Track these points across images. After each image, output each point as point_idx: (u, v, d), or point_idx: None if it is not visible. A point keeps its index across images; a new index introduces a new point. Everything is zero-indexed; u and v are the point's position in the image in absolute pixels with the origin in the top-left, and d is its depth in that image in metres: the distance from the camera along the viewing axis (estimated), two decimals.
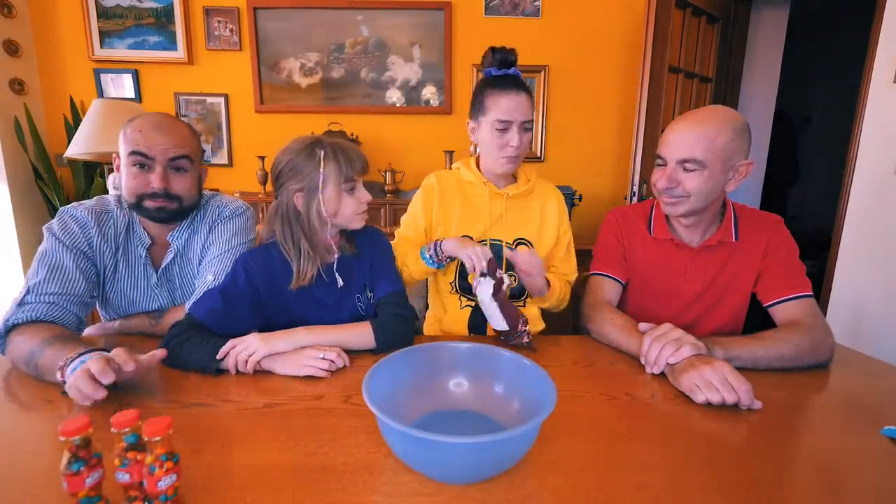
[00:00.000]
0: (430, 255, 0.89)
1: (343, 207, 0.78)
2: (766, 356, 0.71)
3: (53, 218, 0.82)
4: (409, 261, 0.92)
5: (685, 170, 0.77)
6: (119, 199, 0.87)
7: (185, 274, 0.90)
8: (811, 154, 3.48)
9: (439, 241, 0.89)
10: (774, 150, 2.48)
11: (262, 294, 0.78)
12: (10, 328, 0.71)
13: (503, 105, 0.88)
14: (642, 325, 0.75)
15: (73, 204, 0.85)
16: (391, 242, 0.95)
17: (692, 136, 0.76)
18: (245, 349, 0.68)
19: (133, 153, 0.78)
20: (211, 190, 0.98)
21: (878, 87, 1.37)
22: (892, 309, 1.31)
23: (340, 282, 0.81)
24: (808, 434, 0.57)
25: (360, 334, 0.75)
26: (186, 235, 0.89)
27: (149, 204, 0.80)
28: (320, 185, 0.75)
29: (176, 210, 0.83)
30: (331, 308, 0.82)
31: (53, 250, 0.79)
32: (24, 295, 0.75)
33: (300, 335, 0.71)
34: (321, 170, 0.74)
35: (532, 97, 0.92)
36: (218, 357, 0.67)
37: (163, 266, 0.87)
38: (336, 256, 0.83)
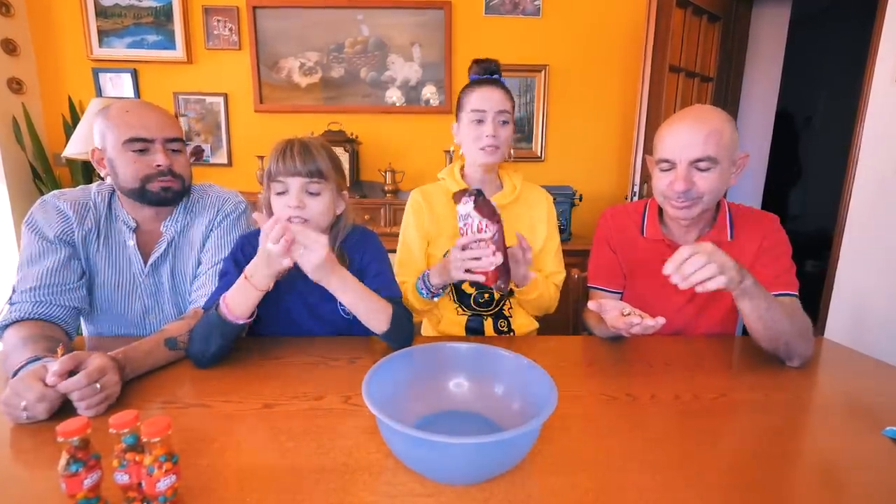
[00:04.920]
0: (423, 289, 0.88)
1: (274, 210, 0.74)
2: (776, 315, 0.69)
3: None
4: (410, 296, 0.91)
5: (698, 169, 0.76)
6: (98, 188, 0.85)
7: (178, 266, 0.87)
8: (813, 153, 3.48)
9: (427, 274, 0.88)
10: (776, 150, 2.48)
11: None
12: (4, 328, 0.72)
13: (477, 97, 0.91)
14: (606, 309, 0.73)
15: (54, 192, 0.83)
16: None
17: (701, 134, 0.74)
18: (311, 247, 0.64)
19: (131, 140, 0.77)
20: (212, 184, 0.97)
21: (880, 86, 1.37)
22: (895, 309, 1.30)
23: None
24: (810, 434, 0.57)
25: (382, 308, 0.73)
26: (181, 224, 0.86)
27: (155, 186, 0.79)
28: (264, 183, 0.75)
29: (179, 190, 0.83)
30: (313, 305, 0.82)
31: (31, 245, 0.78)
32: (11, 295, 0.75)
33: (336, 276, 0.69)
34: (267, 166, 0.74)
35: (511, 97, 0.93)
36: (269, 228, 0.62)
37: (153, 258, 0.84)
38: None
